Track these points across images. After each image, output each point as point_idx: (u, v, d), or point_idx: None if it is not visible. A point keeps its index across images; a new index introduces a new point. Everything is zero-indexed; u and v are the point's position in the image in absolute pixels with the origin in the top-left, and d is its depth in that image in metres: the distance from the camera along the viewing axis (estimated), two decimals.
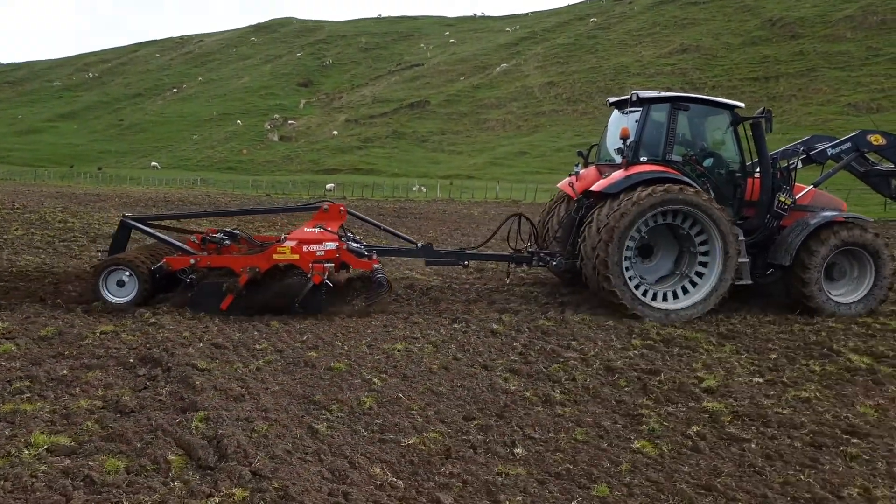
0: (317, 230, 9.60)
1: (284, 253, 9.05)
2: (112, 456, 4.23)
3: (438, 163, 76.49)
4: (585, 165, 10.76)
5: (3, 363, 6.23)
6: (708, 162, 9.80)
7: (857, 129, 10.95)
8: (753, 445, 4.87)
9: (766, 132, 9.57)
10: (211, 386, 5.73)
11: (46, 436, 4.47)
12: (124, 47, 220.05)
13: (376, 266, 9.46)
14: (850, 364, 7.19)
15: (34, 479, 3.84)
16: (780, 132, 9.68)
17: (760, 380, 6.64)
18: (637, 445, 4.75)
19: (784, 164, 10.06)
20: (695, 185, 9.22)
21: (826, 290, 9.42)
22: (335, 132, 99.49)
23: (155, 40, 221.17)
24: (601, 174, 9.92)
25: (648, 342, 7.98)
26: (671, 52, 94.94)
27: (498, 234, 12.29)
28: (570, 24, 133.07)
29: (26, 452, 4.23)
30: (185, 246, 9.63)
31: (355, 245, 9.91)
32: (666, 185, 8.90)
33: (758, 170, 9.80)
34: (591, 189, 9.65)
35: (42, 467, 4.01)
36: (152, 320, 8.33)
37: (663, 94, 9.62)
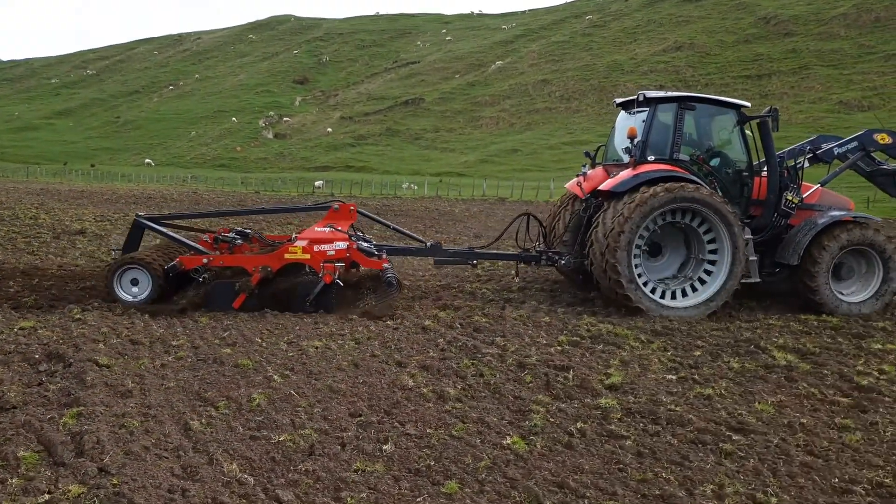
0: (327, 230, 9.69)
1: (296, 252, 9.14)
2: None
3: (430, 160, 76.41)
4: (593, 166, 10.82)
5: None
6: (715, 161, 9.83)
7: (864, 129, 10.91)
8: (630, 442, 4.83)
9: (772, 131, 9.58)
10: (102, 382, 5.70)
11: None
12: (122, 45, 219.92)
13: (386, 265, 9.52)
14: (771, 361, 7.16)
15: None
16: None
17: (673, 377, 6.60)
18: (508, 442, 4.71)
19: (791, 163, 10.08)
20: (702, 183, 9.23)
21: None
22: (329, 129, 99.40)
23: (153, 38, 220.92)
24: (609, 174, 9.98)
25: (575, 339, 7.94)
26: (665, 49, 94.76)
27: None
28: (567, 22, 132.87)
29: None
30: (197, 245, 9.73)
31: (365, 244, 9.97)
32: (674, 184, 8.93)
33: (765, 169, 9.81)
34: (600, 188, 9.69)
35: None
36: (78, 316, 8.31)
37: (670, 93, 9.65)
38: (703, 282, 9.33)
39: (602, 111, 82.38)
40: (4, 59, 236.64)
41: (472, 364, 6.74)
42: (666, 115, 9.50)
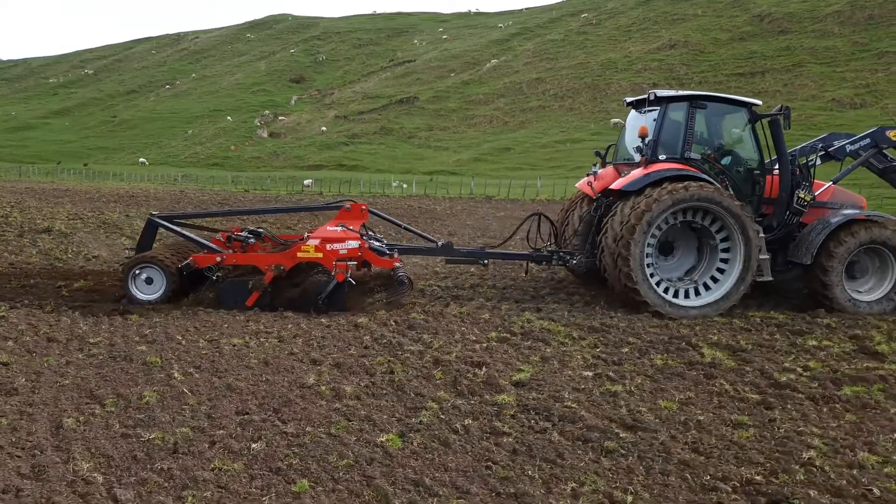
0: (339, 229, 9.73)
1: (308, 251, 9.19)
2: None
3: (423, 159, 76.26)
4: (603, 165, 10.79)
5: None
6: (726, 160, 9.79)
7: (876, 126, 10.86)
8: (509, 440, 4.75)
9: (784, 129, 9.51)
10: None
11: None
12: (121, 44, 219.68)
13: (397, 265, 9.57)
14: (697, 358, 7.08)
15: None
16: None
17: (589, 373, 6.52)
18: (383, 440, 4.63)
19: (803, 160, 10.02)
20: (714, 182, 9.18)
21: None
22: (324, 128, 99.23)
23: (151, 37, 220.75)
24: (619, 173, 9.96)
25: (506, 335, 7.87)
26: (659, 47, 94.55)
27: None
28: (563, 20, 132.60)
29: None
30: (211, 244, 9.81)
31: (377, 244, 9.98)
32: (686, 183, 8.88)
33: (776, 167, 9.76)
34: (611, 187, 9.67)
35: None
36: (2, 314, 8.22)
37: (681, 92, 9.62)
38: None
39: (595, 109, 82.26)
40: (3, 58, 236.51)
41: (388, 361, 6.66)
42: (677, 114, 9.49)
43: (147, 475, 4.04)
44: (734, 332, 8.26)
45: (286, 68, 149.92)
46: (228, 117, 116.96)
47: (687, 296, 9.23)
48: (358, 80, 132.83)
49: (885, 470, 4.41)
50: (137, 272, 9.26)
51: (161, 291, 9.21)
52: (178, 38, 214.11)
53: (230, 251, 9.78)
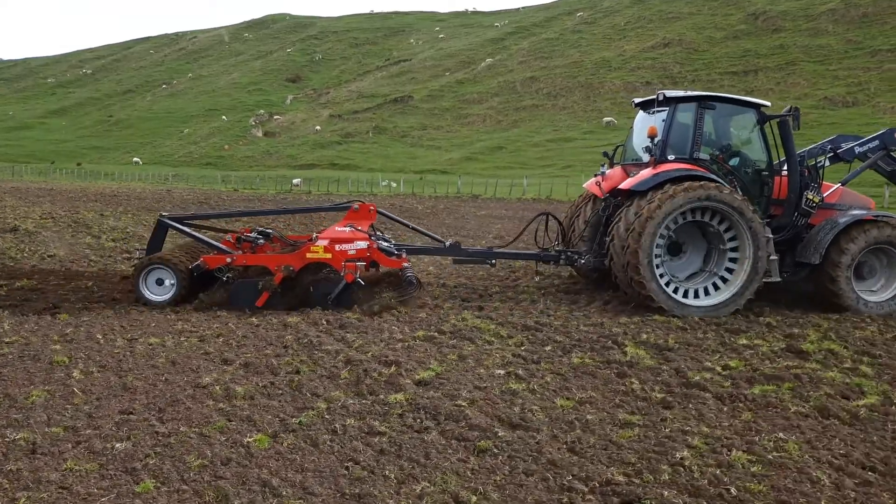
0: (348, 229, 9.82)
1: (318, 252, 9.27)
2: None
3: (416, 158, 76.13)
4: (611, 166, 10.81)
5: None
6: (734, 160, 9.79)
7: (886, 128, 10.82)
8: (382, 439, 4.71)
9: (793, 130, 9.52)
10: None
11: None
12: (119, 44, 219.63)
13: (406, 265, 9.67)
14: (617, 357, 7.03)
15: None
16: None
17: (501, 372, 6.48)
18: (250, 440, 4.58)
19: (812, 162, 10.04)
20: (723, 183, 9.18)
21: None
22: (318, 128, 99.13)
23: (150, 37, 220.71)
24: (628, 174, 9.98)
25: (433, 335, 7.82)
26: (653, 45, 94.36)
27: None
28: (558, 19, 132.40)
29: None
30: (221, 245, 9.89)
31: (385, 244, 10.04)
32: (695, 183, 8.88)
33: (785, 168, 9.76)
34: (620, 187, 9.67)
35: None
36: None
37: (690, 93, 9.64)
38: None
39: (588, 108, 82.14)
40: (2, 58, 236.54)
41: (300, 361, 6.61)
42: (685, 115, 9.51)
43: None
44: (668, 331, 8.20)
45: (282, 68, 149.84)
46: (223, 117, 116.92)
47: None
48: (353, 79, 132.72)
49: (753, 469, 4.36)
50: (148, 273, 9.34)
51: (172, 292, 9.27)
52: (177, 37, 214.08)
53: (240, 252, 9.87)
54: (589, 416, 5.27)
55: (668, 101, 9.52)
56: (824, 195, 9.79)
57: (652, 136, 9.37)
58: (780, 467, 4.41)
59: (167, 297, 9.25)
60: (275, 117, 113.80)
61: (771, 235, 9.26)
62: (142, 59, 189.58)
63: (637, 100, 10.70)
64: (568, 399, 5.72)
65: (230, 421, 4.99)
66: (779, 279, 9.35)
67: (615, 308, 9.55)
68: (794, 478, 4.26)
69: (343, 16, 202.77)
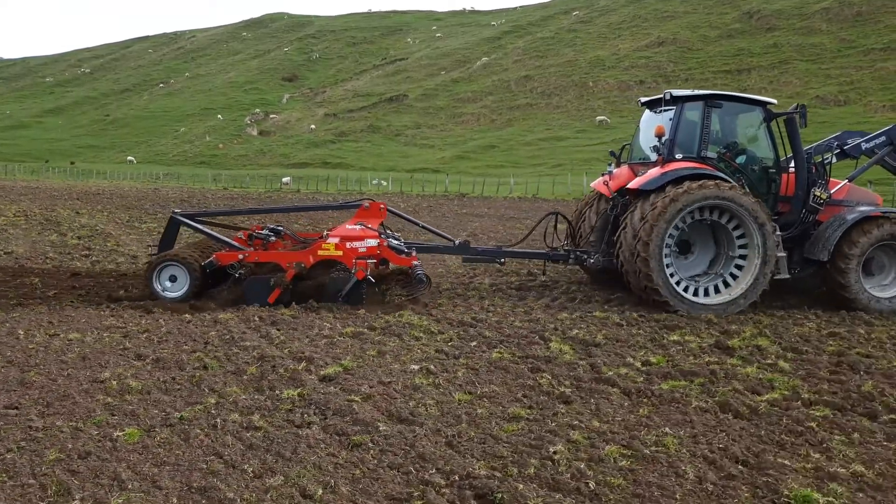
0: (358, 227, 9.89)
1: (329, 249, 9.37)
2: None
3: (408, 156, 76.10)
4: (618, 165, 10.84)
5: None
6: (742, 158, 9.82)
7: (893, 123, 10.84)
8: (257, 434, 4.67)
9: (800, 127, 9.53)
10: None
11: None
12: (118, 43, 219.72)
13: (416, 263, 9.72)
14: (538, 352, 6.99)
15: None
16: None
17: (415, 367, 6.43)
18: (120, 434, 4.54)
19: (818, 159, 10.04)
20: (731, 181, 9.19)
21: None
22: (312, 126, 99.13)
23: (148, 36, 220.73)
24: (635, 173, 10.00)
25: (361, 331, 7.78)
26: (648, 44, 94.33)
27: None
28: (555, 18, 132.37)
29: None
30: (233, 242, 9.97)
31: (395, 242, 10.07)
32: (704, 182, 8.90)
33: (792, 165, 9.78)
34: (628, 187, 9.69)
35: None
36: None
37: (696, 92, 9.67)
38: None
39: (581, 107, 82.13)
40: (2, 58, 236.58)
41: (213, 357, 6.56)
42: (693, 114, 9.55)
43: None
44: (601, 327, 8.17)
45: (279, 67, 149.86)
46: (219, 116, 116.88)
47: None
48: (350, 78, 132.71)
49: (622, 463, 4.32)
50: (161, 270, 9.40)
51: (185, 289, 9.32)
52: (176, 37, 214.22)
53: (252, 249, 9.92)
54: (479, 411, 5.23)
55: (676, 101, 9.56)
56: (832, 192, 9.78)
57: (660, 136, 9.39)
58: (651, 461, 4.37)
59: (180, 293, 9.33)
60: (270, 116, 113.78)
61: (779, 232, 9.29)
62: (140, 58, 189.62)
63: (643, 99, 10.72)
64: (469, 394, 5.68)
65: (113, 415, 4.96)
66: (787, 276, 9.38)
67: (561, 305, 9.53)
68: (660, 472, 4.22)
69: (341, 15, 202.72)
